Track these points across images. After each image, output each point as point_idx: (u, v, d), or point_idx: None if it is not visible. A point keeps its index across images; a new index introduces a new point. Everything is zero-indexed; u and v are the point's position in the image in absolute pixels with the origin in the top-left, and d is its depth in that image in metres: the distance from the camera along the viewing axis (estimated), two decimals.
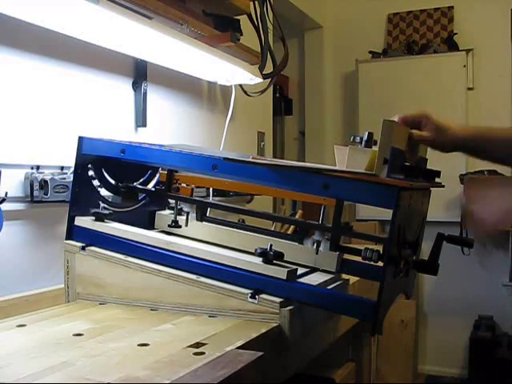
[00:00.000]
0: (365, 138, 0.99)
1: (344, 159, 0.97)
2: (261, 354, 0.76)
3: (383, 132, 0.92)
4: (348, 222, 1.17)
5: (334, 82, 3.86)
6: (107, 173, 1.23)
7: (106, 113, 1.55)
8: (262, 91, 2.03)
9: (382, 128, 0.92)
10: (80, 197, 1.17)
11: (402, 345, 3.12)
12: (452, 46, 3.49)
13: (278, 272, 0.97)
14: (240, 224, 1.25)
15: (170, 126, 1.86)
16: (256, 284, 0.97)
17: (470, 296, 3.23)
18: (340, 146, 1.00)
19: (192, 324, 0.94)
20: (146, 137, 1.65)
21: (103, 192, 1.23)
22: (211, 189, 1.76)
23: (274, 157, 3.09)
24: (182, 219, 1.26)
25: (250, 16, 1.76)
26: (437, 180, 1.11)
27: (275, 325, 0.93)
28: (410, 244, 1.01)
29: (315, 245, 1.12)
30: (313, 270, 1.13)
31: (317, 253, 1.12)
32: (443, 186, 1.09)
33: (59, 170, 1.33)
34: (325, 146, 3.81)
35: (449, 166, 3.37)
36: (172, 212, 1.28)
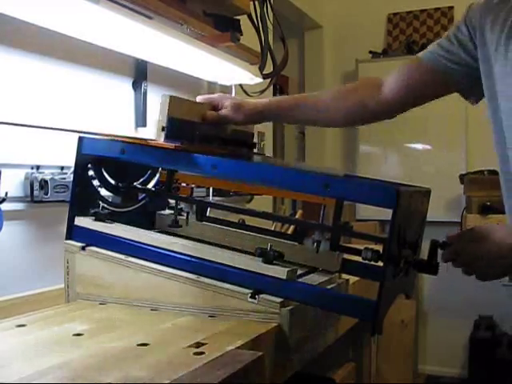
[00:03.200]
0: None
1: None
2: (261, 354, 0.76)
3: (163, 104, 1.07)
4: (348, 221, 1.17)
5: (334, 82, 3.85)
6: (107, 173, 1.23)
7: (106, 113, 1.55)
8: (262, 91, 2.03)
9: (162, 102, 1.07)
10: (80, 197, 1.16)
11: (402, 345, 3.12)
12: None
13: (278, 272, 0.97)
14: (240, 224, 1.25)
15: None
16: (256, 284, 0.97)
17: (470, 296, 3.23)
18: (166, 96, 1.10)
19: (192, 324, 0.94)
20: (145, 137, 1.65)
21: (103, 192, 1.23)
22: (211, 189, 1.76)
23: (274, 157, 3.09)
24: (182, 219, 1.26)
25: (250, 16, 1.76)
26: (256, 151, 1.32)
27: (275, 325, 0.93)
28: (410, 244, 1.01)
29: (315, 245, 1.12)
30: (313, 269, 1.13)
31: (317, 253, 1.12)
32: (264, 155, 1.22)
33: (59, 170, 1.33)
34: (325, 146, 3.81)
35: (449, 166, 3.40)
36: (172, 212, 1.28)
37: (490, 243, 1.00)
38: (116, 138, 1.18)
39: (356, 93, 1.25)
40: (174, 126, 1.07)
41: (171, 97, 1.08)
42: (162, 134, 1.06)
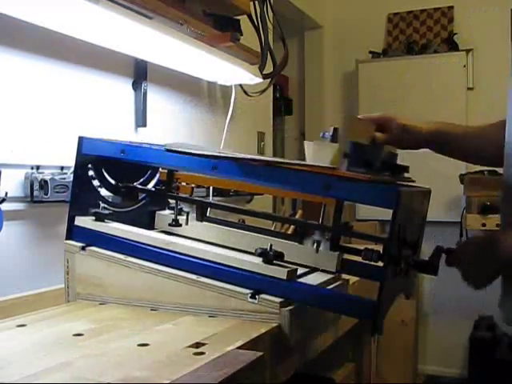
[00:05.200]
0: (330, 133, 1.02)
1: (312, 154, 0.99)
2: (261, 354, 0.76)
3: (344, 126, 0.97)
4: (348, 221, 1.17)
5: (334, 81, 3.85)
6: (107, 173, 1.23)
7: (106, 113, 1.55)
8: (262, 91, 2.03)
9: (343, 123, 0.94)
10: (80, 197, 1.16)
11: (402, 345, 3.12)
12: (452, 46, 3.49)
13: (278, 272, 0.97)
14: (240, 224, 1.25)
15: (170, 126, 1.86)
16: (256, 284, 0.97)
17: (470, 296, 3.22)
18: (309, 141, 1.02)
19: (192, 324, 0.94)
20: (146, 137, 1.65)
21: (103, 192, 1.23)
22: (211, 188, 1.76)
23: (274, 157, 3.09)
24: (182, 219, 1.26)
25: (250, 16, 1.76)
26: (406, 175, 1.15)
27: (275, 325, 0.93)
28: (409, 244, 1.01)
29: (315, 245, 1.12)
30: (313, 269, 1.13)
31: (317, 252, 1.12)
32: (414, 181, 1.12)
33: (59, 170, 1.33)
34: None
35: (449, 166, 3.39)
36: (172, 212, 1.28)
37: (493, 249, 1.01)
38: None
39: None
40: (357, 153, 0.97)
41: (353, 117, 1.01)
42: (345, 161, 0.95)
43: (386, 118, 1.14)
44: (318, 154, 0.99)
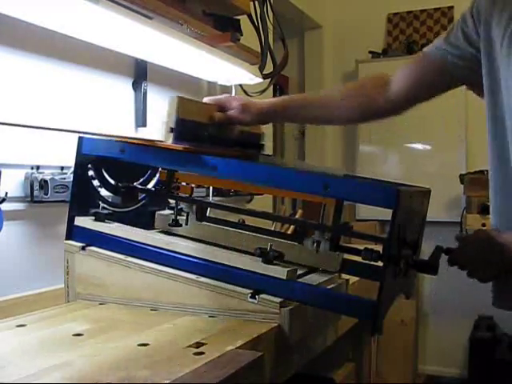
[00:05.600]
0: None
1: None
2: (261, 354, 0.76)
3: (170, 106, 1.07)
4: (348, 221, 1.17)
5: (334, 82, 3.85)
6: (107, 173, 1.23)
7: (106, 113, 1.55)
8: (262, 91, 2.03)
9: (169, 103, 1.07)
10: (80, 197, 1.17)
11: (402, 345, 3.12)
12: None
13: (278, 272, 0.97)
14: (240, 224, 1.25)
15: None
16: (256, 284, 0.97)
17: (470, 296, 3.22)
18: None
19: (192, 324, 0.94)
20: (146, 137, 1.65)
21: (103, 192, 1.23)
22: (211, 189, 1.76)
23: (274, 157, 3.09)
24: (182, 219, 1.26)
25: (250, 16, 1.75)
26: (265, 153, 1.32)
27: (275, 325, 0.93)
28: (409, 244, 1.01)
29: (315, 245, 1.12)
30: (313, 270, 1.13)
31: (317, 252, 1.12)
32: (270, 156, 1.22)
33: (59, 170, 1.33)
34: (325, 146, 3.81)
35: (449, 165, 3.40)
36: (172, 212, 1.28)
37: (493, 242, 1.03)
38: (117, 139, 1.17)
39: (365, 90, 1.26)
40: (182, 127, 1.07)
41: (179, 97, 1.08)
42: (171, 136, 1.05)
43: (227, 98, 1.23)
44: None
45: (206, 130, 1.15)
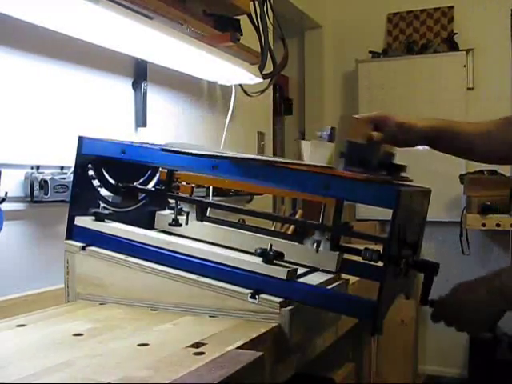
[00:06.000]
0: (328, 132, 1.01)
1: (309, 153, 0.98)
2: (261, 354, 0.76)
3: (340, 126, 0.95)
4: (348, 221, 1.17)
5: (334, 81, 3.85)
6: (107, 173, 1.23)
7: (106, 113, 1.55)
8: (262, 91, 2.03)
9: (339, 122, 0.95)
10: (80, 197, 1.16)
11: (402, 345, 3.12)
12: (452, 45, 3.49)
13: (278, 272, 0.97)
14: (240, 224, 1.25)
15: (170, 126, 1.86)
16: (256, 284, 0.97)
17: None
18: (305, 141, 1.01)
19: (192, 324, 0.94)
20: (146, 137, 1.65)
21: (103, 192, 1.23)
22: (211, 188, 1.76)
23: (274, 156, 3.09)
24: (182, 219, 1.26)
25: (250, 16, 1.76)
26: (404, 174, 1.14)
27: (275, 325, 0.93)
28: (409, 244, 1.01)
29: (315, 245, 1.12)
30: (313, 269, 1.13)
31: (317, 252, 1.12)
32: (411, 180, 1.11)
33: (59, 170, 1.34)
34: None
35: (449, 166, 3.40)
36: (172, 212, 1.28)
37: (474, 293, 1.05)
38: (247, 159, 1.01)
39: None
40: (354, 152, 0.97)
41: (350, 117, 0.98)
42: (342, 161, 0.95)
43: (383, 116, 1.13)
44: (314, 153, 0.99)
45: (375, 154, 1.04)
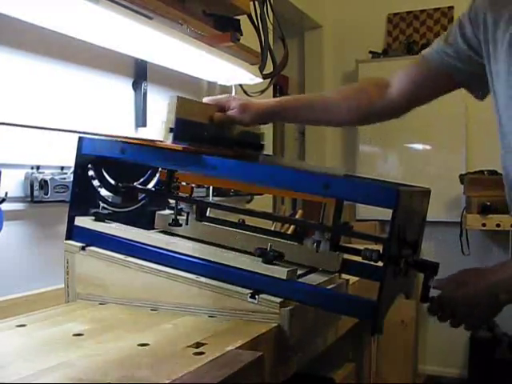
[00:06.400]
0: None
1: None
2: (261, 353, 0.76)
3: (168, 105, 1.07)
4: (348, 221, 1.17)
5: (334, 82, 3.85)
6: (107, 173, 1.23)
7: (106, 113, 1.55)
8: (262, 91, 2.03)
9: (168, 103, 1.07)
10: (80, 197, 1.16)
11: (402, 345, 3.12)
12: None
13: (278, 272, 0.97)
14: (240, 224, 1.25)
15: None
16: (256, 284, 0.97)
17: None
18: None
19: (192, 324, 0.94)
20: (145, 137, 1.65)
21: (103, 192, 1.23)
22: (211, 188, 1.76)
23: (274, 157, 3.08)
24: (182, 219, 1.26)
25: (250, 16, 1.76)
26: (255, 152, 1.31)
27: (275, 325, 0.93)
28: (409, 244, 1.01)
29: (315, 245, 1.12)
30: (313, 269, 1.13)
31: (317, 252, 1.12)
32: (270, 156, 1.23)
33: (59, 170, 1.34)
34: (325, 146, 3.81)
35: (449, 165, 3.40)
36: (172, 212, 1.28)
37: (470, 287, 1.03)
38: (117, 139, 1.17)
39: (366, 93, 1.26)
40: (182, 127, 1.07)
41: (179, 97, 1.08)
42: (170, 136, 1.05)
43: (226, 98, 1.23)
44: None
45: (206, 130, 1.15)
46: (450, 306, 1.04)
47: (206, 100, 1.24)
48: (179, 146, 1.05)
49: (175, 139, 1.05)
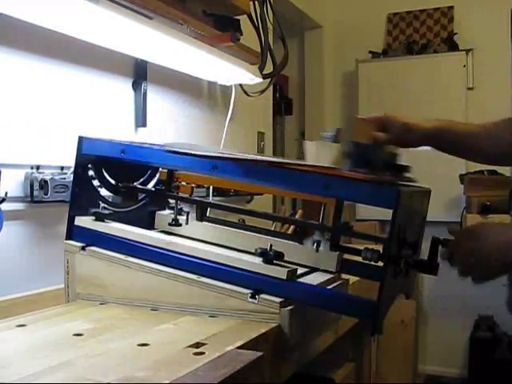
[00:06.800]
0: (333, 133, 1.02)
1: (313, 154, 0.99)
2: (261, 354, 0.76)
3: (346, 127, 0.96)
4: (348, 221, 1.17)
5: (334, 81, 3.85)
6: (107, 173, 1.23)
7: (106, 113, 1.55)
8: (262, 91, 2.03)
9: (346, 123, 0.95)
10: (80, 197, 1.16)
11: (402, 345, 3.12)
12: (452, 46, 3.49)
13: (278, 272, 0.97)
14: (240, 224, 1.25)
15: (170, 126, 1.86)
16: (256, 284, 0.97)
17: (470, 296, 3.23)
18: (310, 141, 1.02)
19: (192, 324, 0.94)
20: (145, 137, 1.65)
21: (103, 192, 1.23)
22: (211, 188, 1.76)
23: (274, 157, 3.09)
24: (182, 219, 1.26)
25: (250, 16, 1.76)
26: (408, 175, 1.14)
27: (275, 325, 0.93)
28: (409, 244, 1.01)
29: (315, 245, 1.12)
30: (313, 269, 1.13)
31: (317, 252, 1.12)
32: (415, 181, 1.11)
33: (59, 170, 1.33)
34: None
35: (449, 166, 3.40)
36: (172, 212, 1.28)
37: (482, 241, 1.01)
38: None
39: None
40: (359, 153, 0.98)
41: (355, 118, 1.01)
42: (346, 161, 0.96)
43: (387, 117, 1.14)
44: (319, 154, 1.00)
45: (379, 155, 1.04)
46: (459, 254, 1.03)
47: (365, 118, 1.15)
48: (358, 175, 0.93)
49: (352, 166, 0.97)
